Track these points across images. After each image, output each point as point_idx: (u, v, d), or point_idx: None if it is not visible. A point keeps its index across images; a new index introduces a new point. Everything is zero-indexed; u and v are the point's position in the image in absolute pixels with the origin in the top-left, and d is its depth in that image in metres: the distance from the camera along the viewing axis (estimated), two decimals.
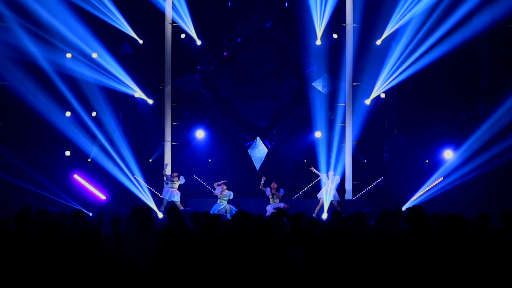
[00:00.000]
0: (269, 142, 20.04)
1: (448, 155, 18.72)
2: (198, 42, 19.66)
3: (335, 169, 19.05)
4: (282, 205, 17.49)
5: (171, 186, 17.89)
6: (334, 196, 17.84)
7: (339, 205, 17.72)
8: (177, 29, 19.60)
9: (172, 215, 9.48)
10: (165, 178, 18.16)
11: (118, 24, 19.05)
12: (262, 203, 17.87)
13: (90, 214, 16.07)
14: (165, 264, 7.36)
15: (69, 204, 17.34)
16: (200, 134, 19.81)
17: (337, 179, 18.15)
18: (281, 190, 17.92)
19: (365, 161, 19.68)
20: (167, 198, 17.74)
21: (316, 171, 18.30)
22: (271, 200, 17.71)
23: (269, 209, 17.22)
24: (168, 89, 19.69)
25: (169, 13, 19.44)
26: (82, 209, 13.51)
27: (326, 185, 17.88)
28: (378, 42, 19.23)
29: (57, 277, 6.74)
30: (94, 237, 6.83)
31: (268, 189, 17.82)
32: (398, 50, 18.82)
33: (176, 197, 17.81)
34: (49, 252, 6.86)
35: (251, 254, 7.37)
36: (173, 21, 19.52)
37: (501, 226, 8.53)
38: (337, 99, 19.79)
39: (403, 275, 7.16)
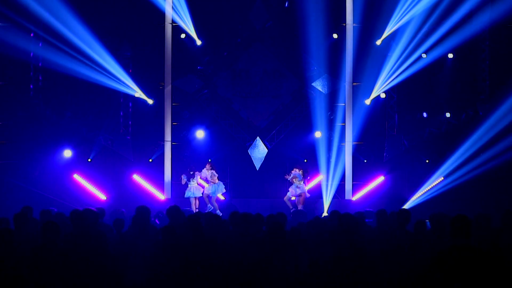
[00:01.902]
0: (269, 142, 20.03)
1: (448, 155, 18.73)
2: (198, 42, 19.65)
3: (335, 169, 19.06)
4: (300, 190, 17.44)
5: (192, 182, 17.74)
6: (299, 190, 17.54)
7: (303, 202, 17.49)
8: (177, 29, 19.58)
9: (173, 216, 9.34)
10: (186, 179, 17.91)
11: (118, 24, 19.02)
12: (263, 204, 17.86)
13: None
14: (165, 264, 7.35)
15: (69, 204, 17.33)
16: (200, 134, 19.81)
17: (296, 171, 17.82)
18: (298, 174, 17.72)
19: (365, 161, 19.69)
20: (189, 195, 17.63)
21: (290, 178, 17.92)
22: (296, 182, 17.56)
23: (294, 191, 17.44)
24: (168, 89, 19.66)
25: (169, 13, 19.41)
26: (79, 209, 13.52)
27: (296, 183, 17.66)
28: (378, 42, 19.23)
29: (59, 278, 6.73)
30: (100, 239, 6.82)
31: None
32: (398, 50, 18.82)
33: (192, 193, 17.70)
34: (49, 252, 6.86)
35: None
36: (173, 21, 19.50)
37: (501, 225, 8.53)
38: (337, 99, 19.78)
39: (402, 275, 7.15)
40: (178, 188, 19.06)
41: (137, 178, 18.90)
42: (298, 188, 17.45)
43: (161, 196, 19.17)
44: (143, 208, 8.84)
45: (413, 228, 8.69)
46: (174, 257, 7.36)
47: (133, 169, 19.10)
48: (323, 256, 7.63)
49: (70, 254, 6.87)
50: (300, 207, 17.21)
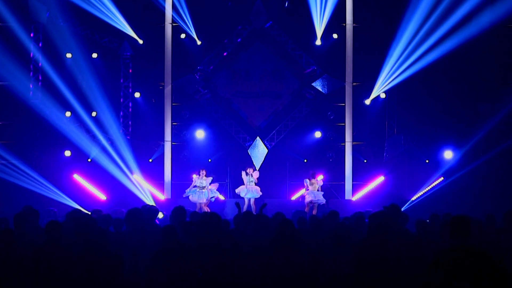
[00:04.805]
0: (269, 142, 20.03)
1: (448, 155, 18.74)
2: (198, 42, 19.65)
3: (335, 169, 19.01)
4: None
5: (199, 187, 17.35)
6: (255, 192, 17.45)
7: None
8: (177, 29, 19.59)
9: (175, 216, 9.14)
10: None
11: (118, 24, 19.04)
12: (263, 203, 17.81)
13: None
14: (165, 264, 7.34)
15: (69, 204, 17.33)
16: (200, 134, 19.80)
17: (257, 173, 17.66)
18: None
19: (365, 161, 19.70)
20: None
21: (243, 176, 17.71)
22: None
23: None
24: (168, 89, 19.68)
25: (169, 13, 19.43)
26: (81, 209, 13.53)
27: (247, 183, 17.47)
28: (378, 43, 19.23)
29: (58, 277, 6.73)
30: (100, 237, 6.80)
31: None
32: (398, 50, 18.80)
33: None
34: (51, 252, 6.85)
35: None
36: (173, 21, 19.51)
37: (504, 226, 8.53)
38: (337, 99, 19.80)
39: (401, 275, 7.15)
40: (178, 188, 19.06)
41: (137, 178, 18.86)
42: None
43: (161, 196, 19.17)
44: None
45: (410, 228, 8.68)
46: (174, 257, 7.35)
47: (133, 169, 19.08)
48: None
49: (74, 254, 6.87)
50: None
